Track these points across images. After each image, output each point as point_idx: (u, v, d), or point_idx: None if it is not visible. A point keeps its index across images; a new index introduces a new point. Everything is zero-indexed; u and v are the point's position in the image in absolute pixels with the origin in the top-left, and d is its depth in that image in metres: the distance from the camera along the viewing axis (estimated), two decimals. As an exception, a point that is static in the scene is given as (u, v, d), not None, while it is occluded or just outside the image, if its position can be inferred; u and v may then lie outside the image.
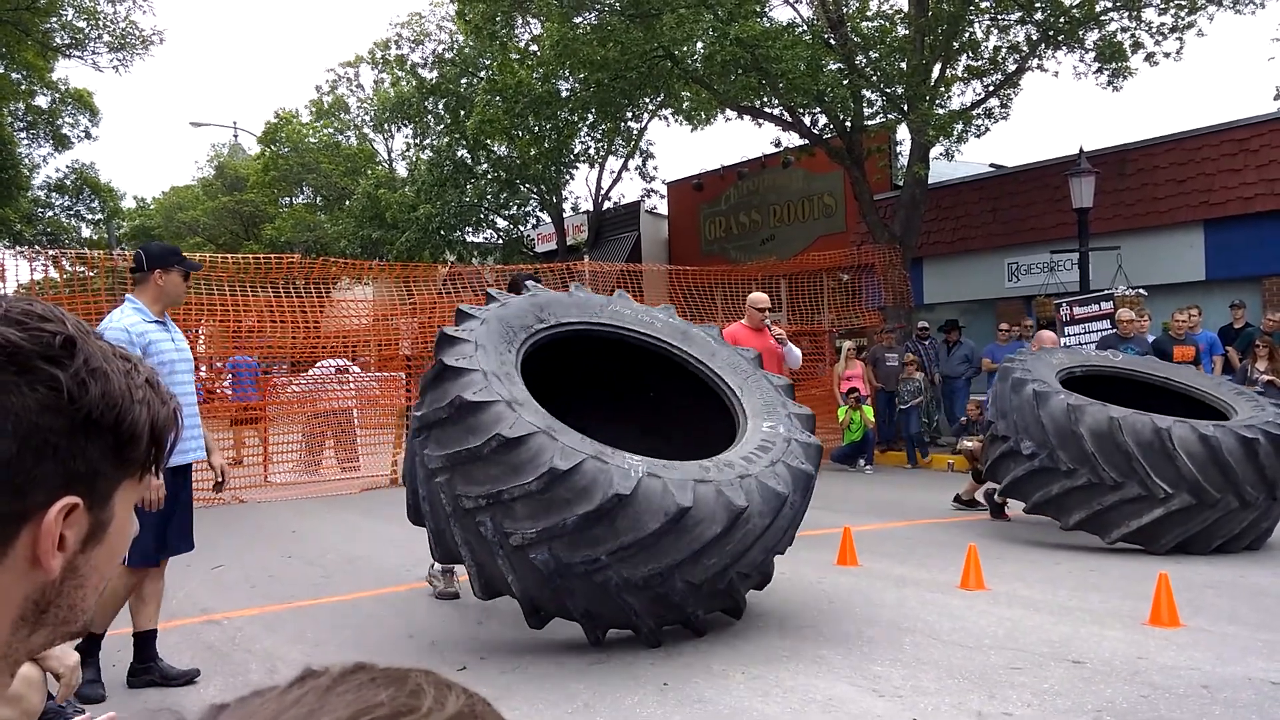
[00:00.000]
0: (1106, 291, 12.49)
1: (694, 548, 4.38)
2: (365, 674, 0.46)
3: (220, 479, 4.68)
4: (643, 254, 23.47)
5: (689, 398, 5.99)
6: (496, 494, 4.31)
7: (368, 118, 32.60)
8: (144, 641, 4.46)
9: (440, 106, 24.98)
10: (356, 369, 13.67)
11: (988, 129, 16.05)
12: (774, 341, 7.80)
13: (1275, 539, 7.19)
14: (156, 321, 4.44)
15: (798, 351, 8.14)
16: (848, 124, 15.36)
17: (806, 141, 16.47)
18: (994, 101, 15.97)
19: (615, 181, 25.14)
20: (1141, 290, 12.44)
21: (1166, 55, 15.19)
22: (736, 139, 74.44)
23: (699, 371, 5.77)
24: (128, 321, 4.34)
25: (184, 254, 4.68)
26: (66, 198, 31.27)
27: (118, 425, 0.79)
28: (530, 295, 5.52)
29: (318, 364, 13.53)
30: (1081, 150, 13.47)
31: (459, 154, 24.19)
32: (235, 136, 41.60)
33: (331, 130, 32.95)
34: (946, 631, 4.94)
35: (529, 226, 26.43)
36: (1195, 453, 6.50)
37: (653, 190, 25.00)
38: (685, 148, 71.72)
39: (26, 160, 27.34)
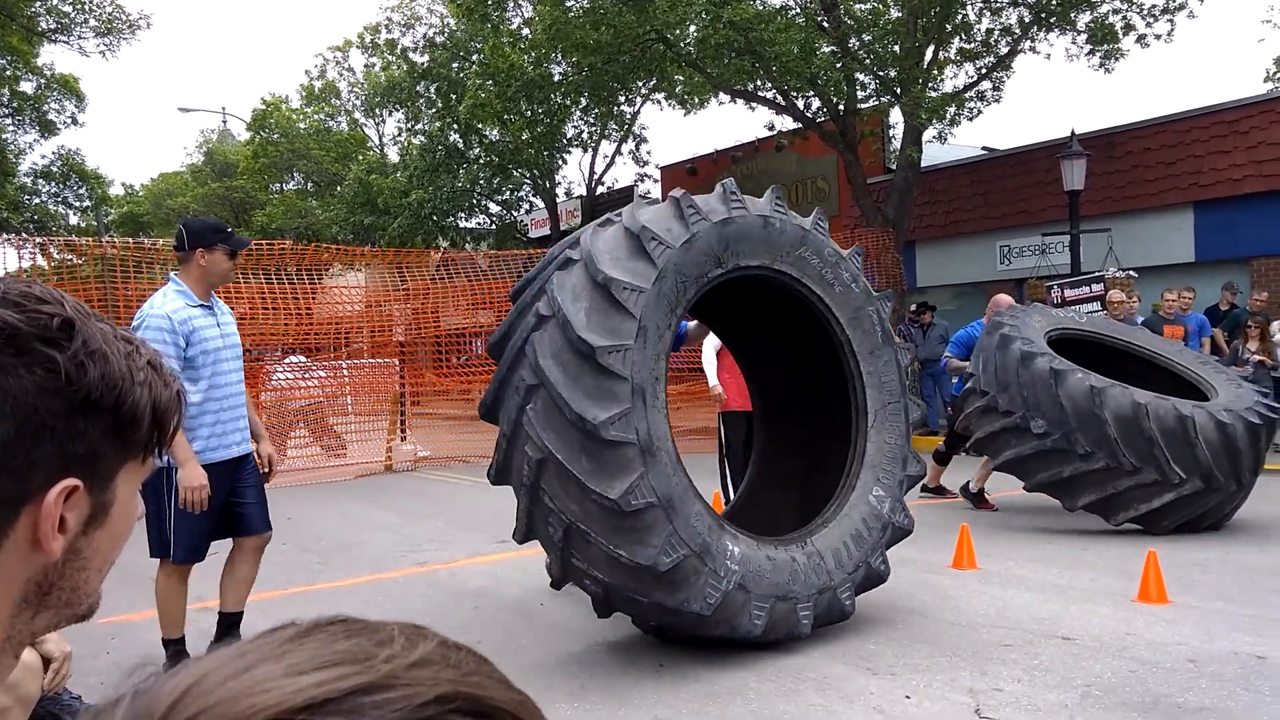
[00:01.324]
0: (1097, 273, 12.54)
1: (741, 640, 4.29)
2: (341, 626, 0.45)
3: (268, 468, 4.43)
4: (635, 238, 23.38)
5: (832, 376, 5.15)
6: (581, 530, 3.91)
7: (358, 102, 32.44)
8: (227, 622, 4.44)
9: (432, 91, 24.86)
10: (303, 358, 13.56)
11: (980, 112, 16.07)
12: None
13: (1259, 518, 7.26)
14: (202, 305, 4.13)
15: None
16: (841, 107, 15.35)
17: (800, 125, 16.46)
18: (986, 84, 15.97)
19: (608, 166, 25.12)
20: (1132, 272, 12.48)
21: (1158, 37, 15.20)
22: (730, 123, 74.40)
23: (848, 370, 4.93)
24: (170, 307, 4.02)
25: (230, 230, 4.32)
26: (53, 185, 31.09)
27: (118, 407, 0.80)
28: (721, 223, 4.38)
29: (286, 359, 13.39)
30: (1073, 133, 13.49)
31: (451, 139, 24.10)
32: (224, 122, 41.39)
33: (322, 116, 32.77)
34: (939, 610, 4.98)
35: (522, 211, 26.37)
36: (1212, 440, 6.48)
37: (646, 174, 24.99)
38: (678, 132, 71.57)
39: (12, 146, 27.20)
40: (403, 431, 12.86)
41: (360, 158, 29.70)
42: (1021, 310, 7.83)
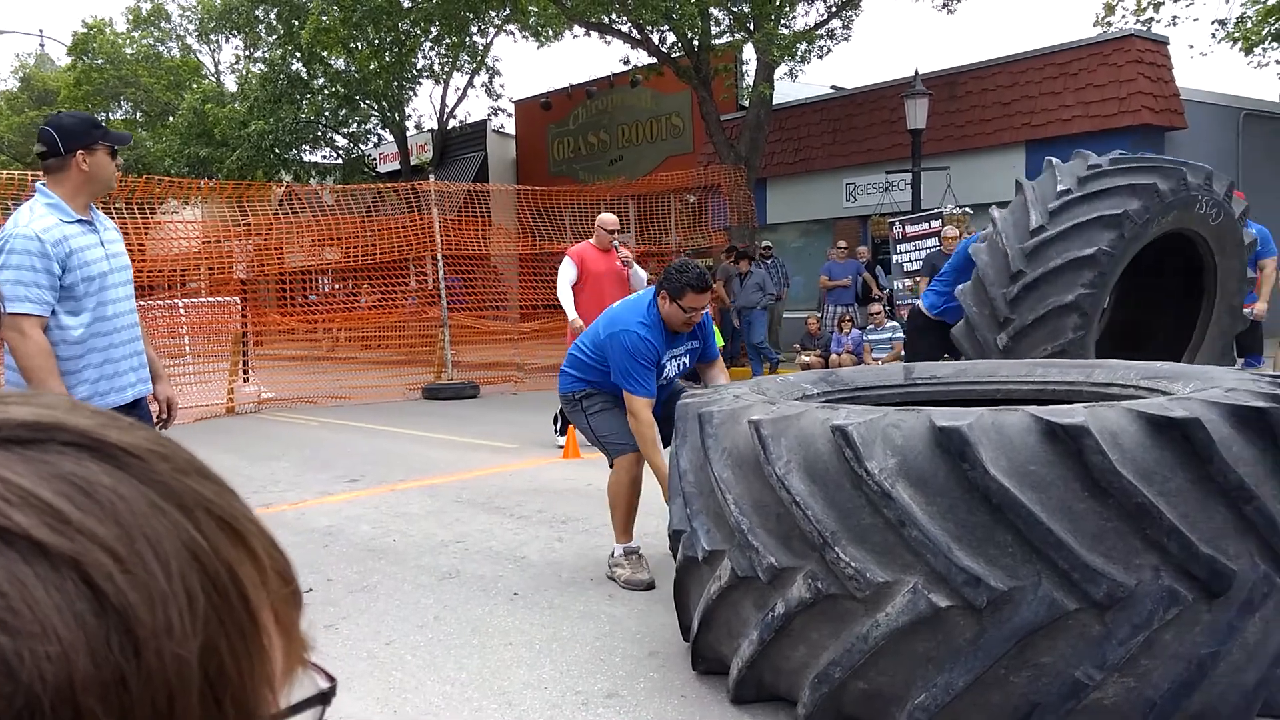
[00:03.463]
0: (935, 210, 13.03)
1: None
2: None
3: (165, 414, 3.70)
4: (490, 174, 23.04)
5: None
6: None
7: (191, 27, 30.50)
8: None
9: (271, 15, 23.59)
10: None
11: (830, 50, 16.34)
12: (620, 263, 7.83)
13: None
14: (80, 221, 3.37)
15: (644, 273, 8.14)
16: (695, 42, 15.34)
17: (655, 60, 16.39)
18: (836, 22, 16.23)
19: (460, 99, 24.48)
20: (967, 209, 13.01)
21: (996, -19, 15.70)
22: (584, 57, 73.23)
23: None
24: (40, 225, 3.22)
25: (105, 125, 3.54)
26: None
27: None
28: None
29: None
30: (917, 72, 13.88)
31: (293, 67, 23.00)
32: (42, 46, 38.33)
33: (151, 40, 30.69)
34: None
35: (370, 145, 25.51)
36: None
37: (499, 109, 24.49)
38: (532, 65, 70.15)
39: None
40: (245, 372, 12.37)
41: (194, 86, 27.99)
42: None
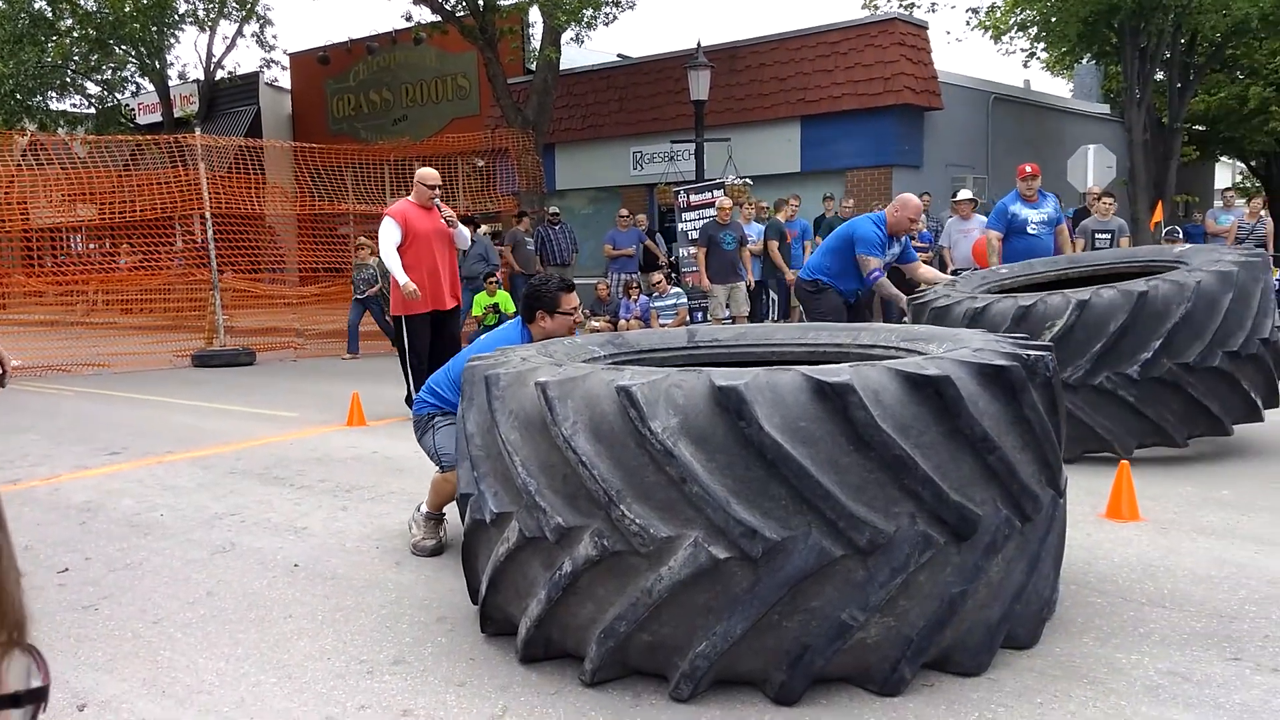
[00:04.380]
0: (717, 181, 13.43)
1: None
2: None
3: (0, 370, 3.48)
4: (264, 129, 21.86)
5: None
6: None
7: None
8: None
9: (7, -54, 21.32)
10: None
11: (615, 17, 16.44)
12: (444, 221, 7.47)
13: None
14: None
15: (466, 231, 7.80)
16: (480, 2, 15.07)
17: (439, 18, 15.97)
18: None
19: (229, 49, 23.17)
20: (748, 180, 13.48)
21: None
22: (365, 11, 70.34)
23: None
24: None
25: None
26: None
27: None
28: None
29: None
30: (699, 44, 14.20)
31: (36, 5, 20.93)
32: None
33: None
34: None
35: (127, 94, 23.62)
36: None
37: (273, 61, 23.26)
38: (308, 17, 66.76)
39: None
40: (-14, 339, 11.27)
41: (-85, 19, 24.97)
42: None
